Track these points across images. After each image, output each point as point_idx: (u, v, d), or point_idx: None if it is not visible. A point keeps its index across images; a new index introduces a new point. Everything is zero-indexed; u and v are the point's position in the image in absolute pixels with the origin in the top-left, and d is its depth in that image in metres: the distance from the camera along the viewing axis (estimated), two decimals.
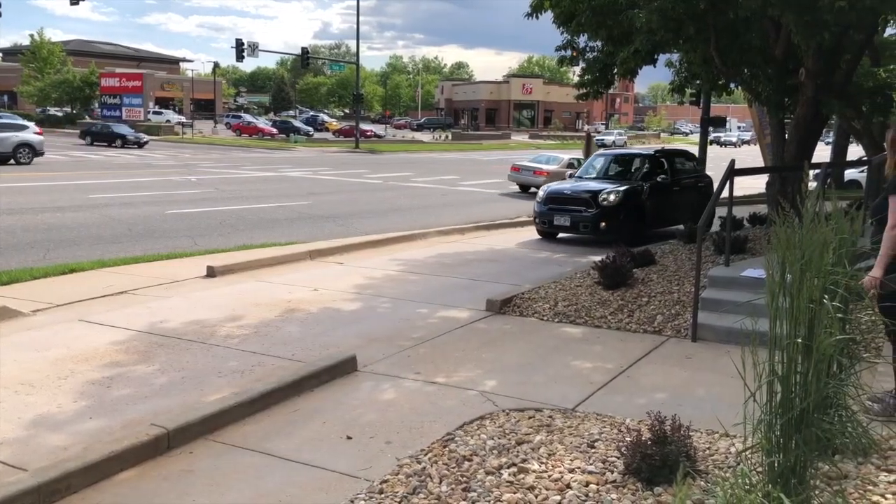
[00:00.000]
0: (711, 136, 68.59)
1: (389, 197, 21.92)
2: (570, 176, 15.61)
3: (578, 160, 22.25)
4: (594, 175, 15.03)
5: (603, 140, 65.14)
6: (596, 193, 13.51)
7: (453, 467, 4.17)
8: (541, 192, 14.62)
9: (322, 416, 5.26)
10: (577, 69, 14.46)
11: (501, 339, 7.31)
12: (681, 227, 13.88)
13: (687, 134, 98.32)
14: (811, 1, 9.14)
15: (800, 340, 2.97)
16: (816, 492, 3.13)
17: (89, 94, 69.06)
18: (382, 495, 3.91)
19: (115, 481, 4.29)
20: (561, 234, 14.28)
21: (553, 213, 13.92)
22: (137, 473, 4.39)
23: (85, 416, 5.18)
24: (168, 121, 66.93)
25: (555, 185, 15.02)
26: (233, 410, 5.13)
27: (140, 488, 4.23)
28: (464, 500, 3.76)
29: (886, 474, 3.56)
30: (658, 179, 14.12)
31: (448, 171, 32.63)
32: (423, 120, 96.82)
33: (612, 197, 13.32)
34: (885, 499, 3.32)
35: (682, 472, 2.33)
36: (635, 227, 13.28)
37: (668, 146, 20.02)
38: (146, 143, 46.64)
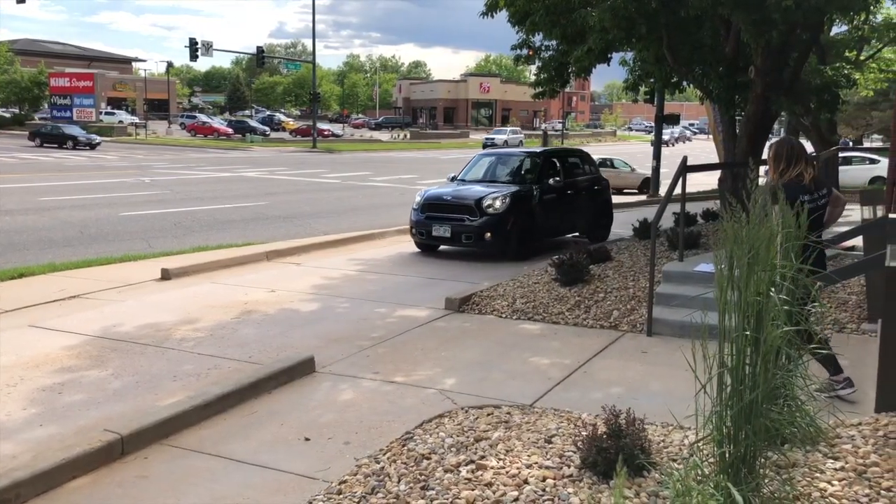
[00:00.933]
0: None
1: (347, 196, 21.82)
2: (452, 179, 13.43)
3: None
4: (479, 178, 13.23)
5: (493, 139, 59.07)
6: (480, 199, 11.70)
7: (412, 466, 4.17)
8: (418, 197, 12.61)
9: (280, 418, 5.22)
10: (534, 68, 14.56)
11: (460, 337, 7.33)
12: (577, 235, 13.42)
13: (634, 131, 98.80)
14: (759, 0, 9.34)
15: (748, 333, 3.03)
16: (766, 480, 3.20)
17: (38, 95, 67.51)
18: (341, 496, 3.90)
19: (68, 489, 4.21)
20: (442, 247, 12.44)
21: (431, 222, 11.96)
22: (90, 481, 4.31)
23: (35, 423, 5.07)
24: (121, 121, 65.76)
25: (434, 190, 12.89)
26: (188, 414, 5.07)
27: (93, 496, 4.16)
28: (422, 498, 3.76)
29: (833, 461, 3.66)
30: (550, 182, 12.49)
31: (407, 171, 32.60)
32: (381, 119, 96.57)
33: (497, 203, 11.58)
34: (832, 485, 3.41)
35: (620, 464, 2.36)
36: (525, 238, 11.79)
37: (564, 146, 17.03)
38: (98, 144, 45.80)
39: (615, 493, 1.87)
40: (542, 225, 12.15)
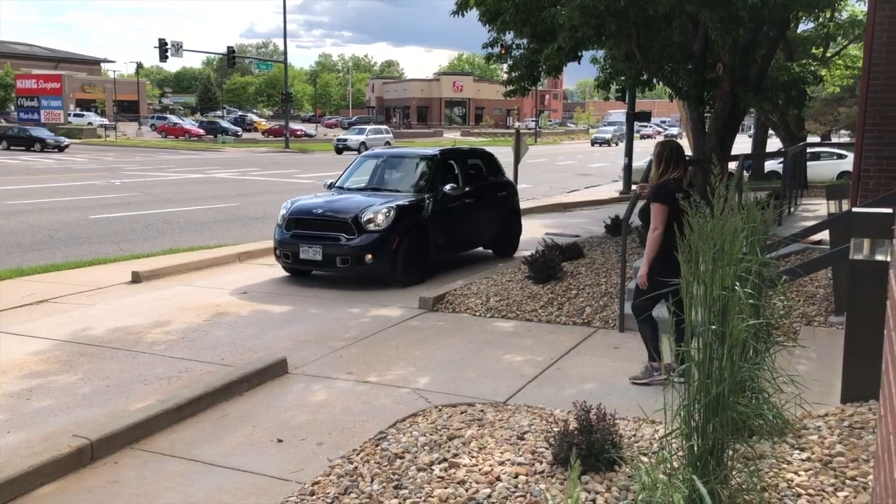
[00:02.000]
0: (596, 134, 66.03)
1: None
2: (330, 186, 11.26)
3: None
4: (362, 185, 11.10)
5: (346, 140, 49.23)
6: (358, 213, 9.48)
7: (385, 465, 4.17)
8: (283, 210, 10.23)
9: (252, 421, 5.19)
10: (505, 67, 14.59)
11: (434, 335, 7.34)
12: (482, 249, 11.76)
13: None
14: None
15: (714, 327, 3.07)
16: (734, 472, 3.25)
17: (4, 97, 66.47)
18: (314, 497, 3.89)
19: (36, 496, 4.15)
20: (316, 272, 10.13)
21: (299, 242, 9.64)
22: (60, 487, 4.26)
23: (2, 430, 4.99)
24: (90, 123, 64.90)
25: (303, 201, 10.41)
26: (159, 418, 5.02)
27: (63, 502, 4.11)
28: (395, 497, 3.77)
29: (800, 452, 3.72)
30: (447, 190, 10.39)
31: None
32: (354, 118, 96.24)
33: (380, 218, 9.42)
34: (799, 475, 3.46)
35: (574, 457, 2.38)
36: (416, 258, 9.75)
37: (464, 146, 16.26)
38: (66, 146, 45.16)
39: (570, 486, 1.89)
40: (438, 241, 10.12)
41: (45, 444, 4.63)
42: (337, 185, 11.22)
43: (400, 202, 9.83)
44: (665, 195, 5.48)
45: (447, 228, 10.32)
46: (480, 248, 11.77)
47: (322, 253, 9.44)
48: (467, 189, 10.94)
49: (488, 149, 13.07)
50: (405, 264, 9.54)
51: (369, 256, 9.31)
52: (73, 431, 4.77)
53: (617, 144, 64.82)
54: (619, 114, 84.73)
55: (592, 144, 67.23)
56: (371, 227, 9.39)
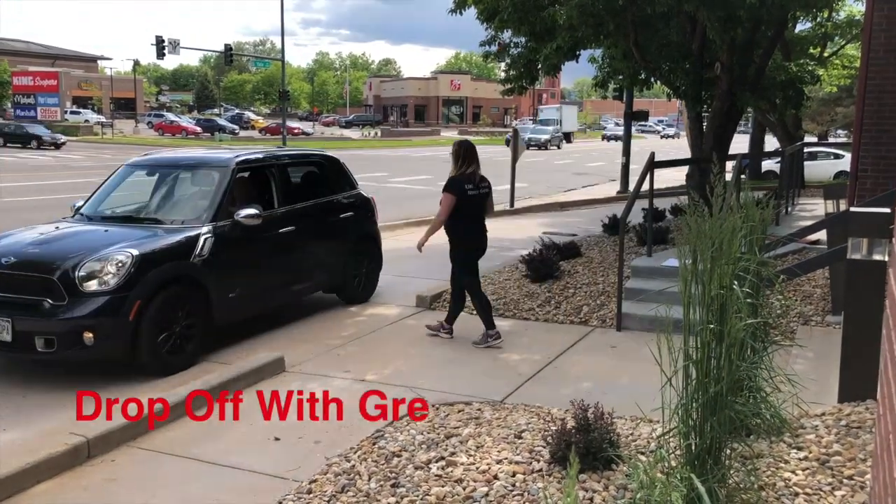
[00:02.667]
0: (529, 134, 53.69)
1: None
2: (78, 210, 7.49)
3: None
4: (118, 212, 7.38)
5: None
6: (70, 266, 5.95)
7: (382, 464, 4.17)
8: None
9: (249, 419, 5.18)
10: (503, 65, 14.58)
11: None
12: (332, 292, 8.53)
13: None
14: None
15: (712, 326, 3.07)
16: (732, 471, 3.25)
17: (0, 94, 66.32)
18: (311, 495, 3.89)
19: (32, 494, 4.15)
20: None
21: None
22: (56, 485, 4.26)
23: None
24: (87, 121, 64.76)
25: (6, 240, 6.65)
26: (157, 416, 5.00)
27: (59, 500, 4.10)
28: (392, 496, 3.77)
29: (797, 451, 3.72)
30: (241, 217, 6.86)
31: (378, 168, 32.54)
32: (351, 117, 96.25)
33: (108, 270, 5.95)
34: (796, 474, 3.47)
35: (573, 455, 2.38)
36: (183, 329, 6.30)
37: (292, 148, 12.94)
38: (63, 143, 44.95)
39: (568, 484, 1.89)
40: (229, 296, 6.74)
41: (41, 442, 4.62)
42: (83, 210, 7.45)
43: (148, 244, 6.27)
44: (454, 187, 6.70)
45: (246, 275, 6.99)
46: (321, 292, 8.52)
47: (12, 330, 5.80)
48: (286, 212, 7.57)
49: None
50: (154, 343, 6.02)
51: (89, 335, 5.76)
52: (69, 429, 4.76)
53: (558, 147, 56.51)
54: (551, 109, 76.14)
55: (528, 147, 47.76)
56: (92, 286, 5.84)
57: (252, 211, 6.90)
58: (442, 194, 6.79)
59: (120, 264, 5.94)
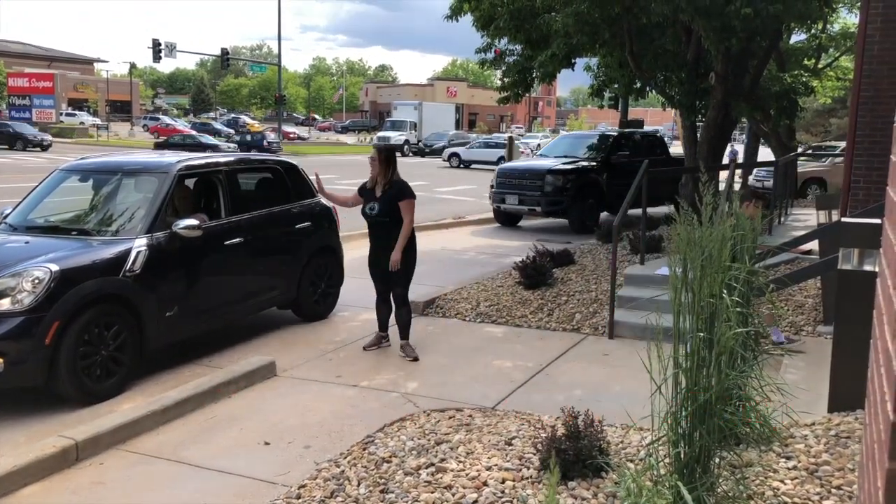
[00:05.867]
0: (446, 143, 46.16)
1: None
2: (3, 219, 6.85)
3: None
4: (49, 222, 6.72)
5: None
6: None
7: (372, 469, 4.16)
8: None
9: (240, 423, 5.17)
10: (499, 73, 14.64)
11: (424, 340, 7.32)
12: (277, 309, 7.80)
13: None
14: (719, 7, 9.52)
15: (702, 334, 3.08)
16: (721, 480, 3.25)
17: None
18: (300, 500, 3.88)
19: (20, 497, 4.13)
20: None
21: None
22: (44, 488, 4.24)
23: None
24: (82, 123, 64.58)
25: None
26: (146, 419, 5.00)
27: (47, 503, 4.08)
28: (381, 501, 3.76)
29: (786, 461, 3.72)
30: (179, 229, 6.27)
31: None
32: (347, 122, 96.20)
33: (23, 288, 5.31)
34: (785, 484, 3.47)
35: (553, 461, 2.38)
36: (113, 352, 5.70)
37: (243, 153, 10.72)
38: (49, 145, 44.41)
39: (549, 491, 1.89)
40: (167, 314, 6.16)
41: (29, 444, 4.60)
42: (10, 218, 6.77)
43: (71, 258, 5.63)
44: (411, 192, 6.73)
45: (186, 291, 6.37)
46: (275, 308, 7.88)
47: None
48: (234, 222, 6.97)
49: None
50: (75, 369, 5.39)
51: None
52: (57, 431, 4.74)
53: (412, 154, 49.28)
54: (407, 107, 63.26)
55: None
56: (4, 305, 5.24)
57: (192, 222, 6.28)
58: (408, 200, 6.71)
59: (37, 281, 5.26)
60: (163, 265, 6.13)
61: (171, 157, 7.00)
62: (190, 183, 7.10)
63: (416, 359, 6.63)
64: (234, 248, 6.90)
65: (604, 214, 15.31)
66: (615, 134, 17.08)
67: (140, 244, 5.99)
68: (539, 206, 14.42)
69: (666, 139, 19.28)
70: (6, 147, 42.87)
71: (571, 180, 14.43)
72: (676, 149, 20.37)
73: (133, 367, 5.88)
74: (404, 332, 6.84)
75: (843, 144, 23.44)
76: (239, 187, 7.34)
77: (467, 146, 41.79)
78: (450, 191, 24.46)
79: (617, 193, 14.83)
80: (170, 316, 6.16)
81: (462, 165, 39.56)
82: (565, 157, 15.76)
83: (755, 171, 20.28)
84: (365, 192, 6.86)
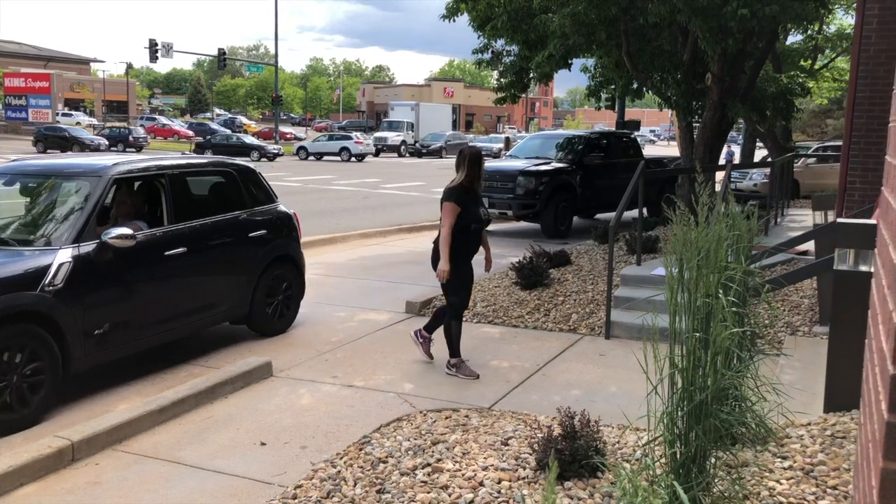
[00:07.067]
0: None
1: (310, 200, 21.68)
2: None
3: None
4: None
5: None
6: None
7: (368, 470, 4.16)
8: None
9: (236, 423, 5.17)
10: (496, 73, 14.65)
11: None
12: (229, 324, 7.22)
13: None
14: (716, 8, 9.53)
15: (698, 335, 3.08)
16: (716, 479, 3.25)
17: None
18: (296, 500, 3.88)
19: (15, 497, 4.12)
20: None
21: None
22: (39, 488, 4.23)
23: None
24: (78, 123, 64.46)
25: None
26: (142, 419, 5.00)
27: (43, 503, 4.08)
28: (378, 501, 3.76)
29: (782, 461, 3.73)
30: (110, 239, 5.66)
31: (370, 174, 32.52)
32: (344, 122, 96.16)
33: None
34: (780, 484, 3.47)
35: (552, 460, 2.39)
36: (21, 383, 5.05)
37: (183, 156, 9.99)
38: (107, 148, 43.39)
39: (547, 490, 1.89)
40: (95, 333, 5.56)
41: (25, 444, 4.59)
42: None
43: None
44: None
45: (119, 307, 5.77)
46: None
47: None
48: (177, 231, 6.39)
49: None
50: None
51: None
52: (53, 431, 4.73)
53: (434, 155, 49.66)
54: (404, 107, 63.23)
55: (375, 153, 48.60)
56: None
57: (124, 231, 5.67)
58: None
59: None
60: (91, 278, 5.53)
61: (107, 160, 6.29)
62: (131, 188, 6.61)
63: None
64: (176, 258, 6.29)
65: (576, 219, 14.90)
66: (588, 135, 16.54)
67: (64, 255, 5.38)
68: (510, 210, 13.79)
69: (664, 139, 19.35)
70: (57, 151, 41.43)
71: (545, 182, 13.74)
72: (663, 150, 20.34)
73: (55, 390, 5.27)
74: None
75: (815, 145, 23.56)
76: (185, 193, 6.70)
77: (314, 140, 47.93)
78: None
79: (590, 196, 14.56)
80: (99, 334, 5.55)
81: (309, 158, 43.37)
82: (536, 157, 15.13)
83: (750, 172, 20.28)
84: (469, 199, 6.27)
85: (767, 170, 18.92)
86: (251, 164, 7.92)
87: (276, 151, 42.68)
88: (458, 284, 6.21)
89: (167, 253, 6.22)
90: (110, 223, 6.11)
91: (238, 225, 7.12)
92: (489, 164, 16.39)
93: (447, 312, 6.32)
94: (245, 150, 42.02)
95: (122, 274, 5.82)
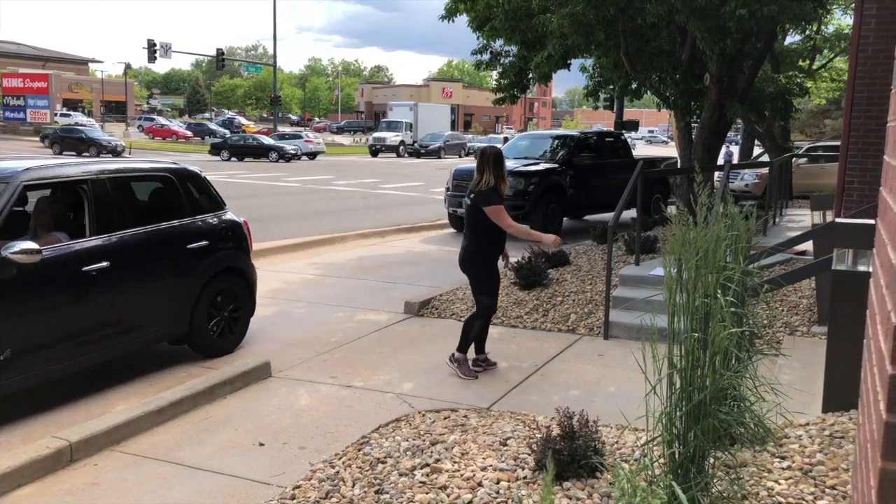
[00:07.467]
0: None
1: (308, 200, 21.69)
2: None
3: None
4: None
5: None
6: None
7: (367, 470, 4.16)
8: None
9: (234, 424, 5.17)
10: (495, 74, 14.65)
11: (419, 340, 7.33)
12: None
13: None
14: (714, 9, 9.54)
15: (696, 335, 3.08)
16: (715, 480, 3.25)
17: None
18: (294, 501, 3.88)
19: (13, 498, 4.11)
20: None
21: None
22: (37, 489, 4.23)
23: None
24: (77, 123, 64.47)
25: None
26: (140, 420, 4.99)
27: None
28: (376, 502, 3.75)
29: (780, 461, 3.73)
30: (10, 255, 5.00)
31: (369, 175, 32.51)
32: (343, 123, 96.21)
33: None
34: (779, 484, 3.47)
35: (550, 460, 2.38)
36: None
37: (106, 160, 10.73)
38: (123, 150, 42.26)
39: (545, 491, 1.89)
40: None
41: (23, 445, 4.59)
42: None
43: None
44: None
45: (23, 329, 5.12)
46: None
47: None
48: (99, 244, 5.71)
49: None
50: None
51: None
52: (51, 432, 4.73)
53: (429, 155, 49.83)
54: (402, 108, 62.82)
55: (374, 154, 51.19)
56: None
57: (27, 245, 5.03)
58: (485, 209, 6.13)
59: None
60: None
61: (18, 164, 5.65)
62: (55, 195, 5.95)
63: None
64: (98, 274, 5.58)
65: (567, 221, 14.75)
66: (577, 135, 16.11)
67: None
68: None
69: (663, 139, 19.37)
70: (73, 153, 40.92)
71: (534, 183, 13.52)
72: (657, 151, 20.36)
73: None
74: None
75: (807, 145, 23.55)
76: (112, 201, 5.93)
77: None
78: None
79: (580, 197, 14.31)
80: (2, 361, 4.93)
81: (231, 158, 42.07)
82: (525, 158, 14.83)
83: (741, 172, 20.25)
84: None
85: (759, 170, 18.96)
86: (195, 168, 7.13)
87: (294, 152, 42.24)
88: (489, 285, 6.26)
89: (86, 268, 5.51)
90: (29, 234, 5.56)
91: (174, 235, 6.39)
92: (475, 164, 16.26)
93: (477, 313, 6.34)
94: (263, 151, 41.80)
95: (29, 293, 5.14)
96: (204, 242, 6.62)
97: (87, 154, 40.41)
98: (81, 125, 49.19)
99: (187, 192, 6.75)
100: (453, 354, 6.31)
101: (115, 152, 41.69)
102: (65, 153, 40.69)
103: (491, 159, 6.13)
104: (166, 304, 6.22)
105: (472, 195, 6.15)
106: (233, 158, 41.52)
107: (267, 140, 44.46)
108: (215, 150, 42.94)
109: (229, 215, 7.16)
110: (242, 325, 7.06)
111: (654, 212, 14.50)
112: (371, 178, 30.03)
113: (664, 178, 15.82)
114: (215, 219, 6.94)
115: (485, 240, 6.13)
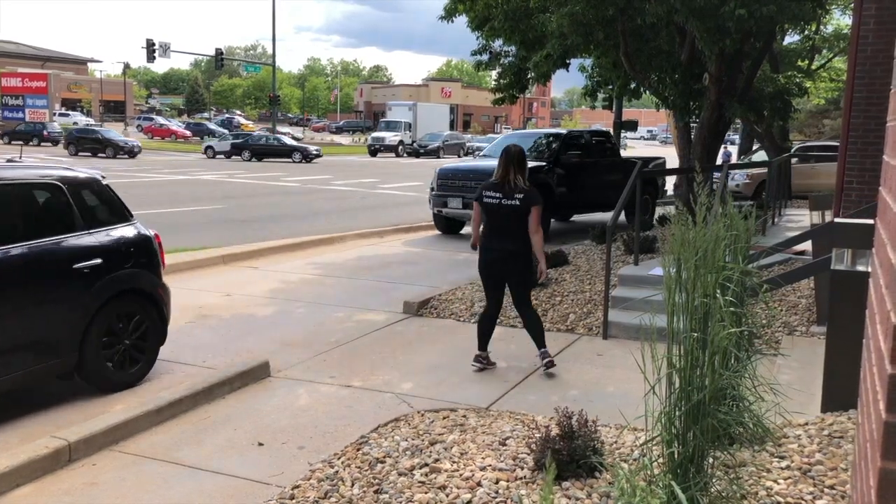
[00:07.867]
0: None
1: (308, 200, 21.69)
2: None
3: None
4: None
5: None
6: None
7: (366, 470, 4.16)
8: None
9: (233, 424, 5.16)
10: (494, 73, 14.65)
11: (418, 340, 7.33)
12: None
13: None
14: (713, 8, 9.55)
15: (695, 335, 3.08)
16: (714, 479, 3.25)
17: None
18: (293, 500, 3.87)
19: (12, 498, 4.11)
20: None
21: None
22: (36, 489, 4.22)
23: None
24: (75, 123, 64.38)
25: None
26: (139, 420, 4.99)
27: None
28: (375, 502, 3.75)
29: (779, 460, 3.73)
30: None
31: (368, 174, 32.50)
32: (342, 123, 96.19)
33: None
34: (778, 483, 3.48)
35: (549, 459, 2.38)
36: None
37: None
38: (139, 151, 41.88)
39: (544, 491, 1.89)
40: None
41: (21, 445, 4.58)
42: None
43: None
44: (477, 192, 6.35)
45: None
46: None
47: None
48: None
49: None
50: None
51: None
52: (50, 432, 4.72)
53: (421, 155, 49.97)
54: (402, 107, 63.05)
55: (373, 153, 51.66)
56: None
57: None
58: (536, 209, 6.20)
59: None
60: None
61: None
62: None
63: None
64: None
65: (554, 222, 14.51)
66: (564, 133, 15.64)
67: None
68: None
69: (662, 139, 19.35)
70: (88, 154, 40.42)
71: None
72: (653, 151, 20.35)
73: None
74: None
75: (798, 144, 23.56)
76: (11, 211, 5.28)
77: (219, 138, 48.09)
78: None
79: (568, 197, 14.00)
80: None
81: (216, 156, 43.12)
82: None
83: (732, 172, 20.24)
84: None
85: (749, 170, 18.96)
86: (98, 175, 6.17)
87: (316, 153, 42.14)
88: (534, 280, 6.58)
89: None
90: None
91: (56, 254, 5.40)
92: (462, 164, 16.15)
93: (531, 313, 6.44)
94: (286, 151, 41.59)
95: None
96: (97, 261, 5.59)
97: (104, 155, 39.87)
98: (76, 125, 48.69)
99: (80, 202, 5.73)
100: (543, 352, 6.33)
101: (132, 153, 41.14)
102: (80, 154, 40.07)
103: (516, 158, 6.08)
104: (51, 333, 5.27)
105: (519, 195, 5.99)
106: (253, 159, 41.39)
107: (290, 141, 44.38)
108: (235, 150, 42.80)
109: (135, 229, 6.14)
110: (150, 353, 6.06)
111: (643, 213, 14.42)
112: (370, 178, 30.02)
113: (653, 179, 15.70)
114: (115, 233, 5.91)
115: (527, 238, 6.09)
